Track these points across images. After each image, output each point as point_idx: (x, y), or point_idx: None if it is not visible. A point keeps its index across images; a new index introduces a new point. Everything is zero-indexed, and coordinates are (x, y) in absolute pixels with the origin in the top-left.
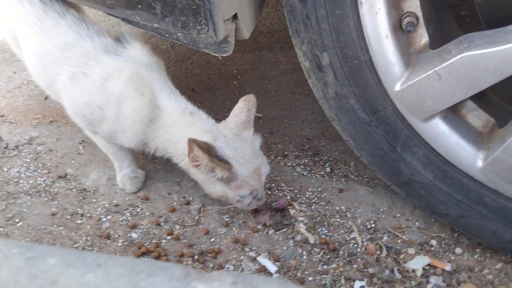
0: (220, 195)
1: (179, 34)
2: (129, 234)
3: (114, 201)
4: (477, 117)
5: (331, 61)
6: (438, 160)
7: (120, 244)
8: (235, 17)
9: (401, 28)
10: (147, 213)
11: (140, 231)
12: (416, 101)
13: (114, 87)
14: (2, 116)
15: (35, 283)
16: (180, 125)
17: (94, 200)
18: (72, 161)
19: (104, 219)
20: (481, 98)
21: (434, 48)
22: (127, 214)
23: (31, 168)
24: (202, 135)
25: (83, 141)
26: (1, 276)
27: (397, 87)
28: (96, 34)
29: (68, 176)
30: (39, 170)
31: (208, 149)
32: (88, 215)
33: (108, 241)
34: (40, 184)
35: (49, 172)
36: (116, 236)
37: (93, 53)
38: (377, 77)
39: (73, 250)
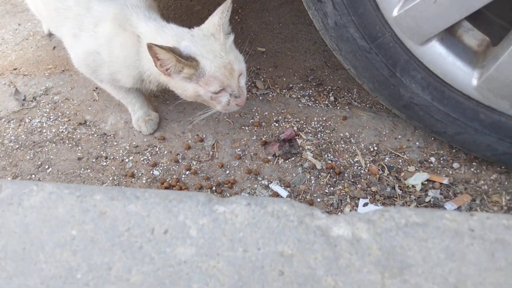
0: (193, 95)
1: None
2: (151, 172)
3: (134, 143)
4: (472, 37)
5: None
6: (436, 82)
7: (144, 181)
8: None
9: None
10: (165, 152)
11: (161, 168)
12: (414, 26)
13: (102, 30)
14: (15, 69)
15: (87, 215)
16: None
17: (115, 143)
18: (89, 108)
19: (126, 160)
20: (476, 17)
21: None
22: (147, 154)
23: (51, 117)
24: (169, 40)
25: (96, 88)
26: (59, 212)
27: (395, 13)
28: None
29: (87, 123)
30: (59, 119)
31: (171, 49)
32: (112, 157)
33: (133, 179)
34: (62, 132)
35: (69, 120)
36: (140, 174)
37: (85, 0)
38: (375, 3)
39: (114, 187)
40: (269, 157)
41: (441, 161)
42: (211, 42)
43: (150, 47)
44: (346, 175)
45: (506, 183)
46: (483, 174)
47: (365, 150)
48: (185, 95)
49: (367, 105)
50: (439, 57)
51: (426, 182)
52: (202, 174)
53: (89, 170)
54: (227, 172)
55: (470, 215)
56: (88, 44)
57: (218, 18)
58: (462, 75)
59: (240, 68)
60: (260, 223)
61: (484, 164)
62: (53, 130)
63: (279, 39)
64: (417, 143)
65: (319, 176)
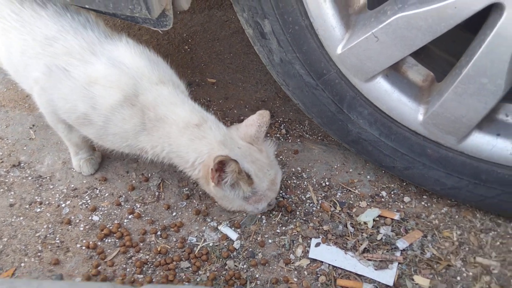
0: (236, 209)
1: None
2: (90, 218)
3: (72, 185)
4: (417, 72)
5: (273, 28)
6: (382, 118)
7: (82, 229)
8: None
9: None
10: (106, 194)
11: (101, 213)
12: (357, 63)
13: (100, 94)
14: None
15: None
16: (188, 137)
17: (51, 187)
18: (25, 148)
19: (63, 205)
20: (420, 52)
21: (373, 7)
22: (86, 197)
23: None
24: (216, 148)
25: (33, 125)
26: None
27: (339, 50)
28: (82, 27)
29: (22, 164)
30: None
31: (237, 162)
32: (47, 202)
33: (70, 226)
34: None
35: (1, 161)
36: (77, 220)
37: (78, 50)
38: (319, 41)
39: (4, 280)
40: None
41: (392, 195)
42: (257, 156)
43: (221, 161)
44: (298, 213)
45: (457, 216)
46: (433, 207)
47: (317, 186)
48: (225, 206)
49: (319, 138)
50: (384, 93)
51: (377, 218)
52: (147, 218)
53: (21, 218)
54: (174, 214)
55: None
56: (74, 100)
57: (255, 131)
58: (408, 110)
59: (280, 178)
60: None
61: (435, 197)
62: None
63: (230, 70)
64: (368, 177)
65: (271, 215)
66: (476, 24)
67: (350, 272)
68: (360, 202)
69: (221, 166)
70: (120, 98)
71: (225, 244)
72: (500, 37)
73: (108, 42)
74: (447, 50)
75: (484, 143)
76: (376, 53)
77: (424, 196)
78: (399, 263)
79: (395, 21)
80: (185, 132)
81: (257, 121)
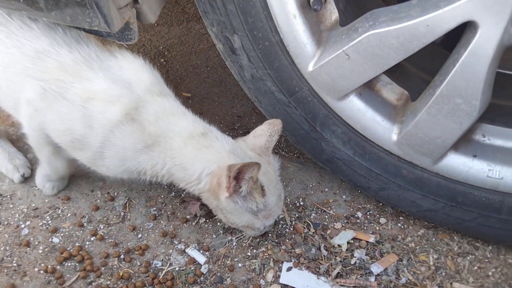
0: (243, 225)
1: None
2: (50, 239)
3: (33, 205)
4: (391, 91)
5: (243, 43)
6: (356, 137)
7: (40, 251)
8: (136, 0)
9: (309, 6)
10: (68, 215)
11: (62, 234)
12: (329, 81)
13: (99, 110)
14: None
15: None
16: (193, 147)
17: (11, 206)
18: None
19: (22, 226)
20: (395, 70)
21: (346, 23)
22: (47, 217)
23: None
24: (226, 157)
25: None
26: None
27: (310, 68)
28: (75, 41)
29: None
30: None
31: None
32: (6, 222)
33: (28, 249)
34: None
35: None
36: (36, 242)
37: (72, 66)
38: (290, 58)
39: None
40: (188, 217)
41: (368, 216)
42: (267, 168)
43: (241, 167)
44: (270, 235)
45: (434, 239)
46: (410, 229)
47: (291, 206)
48: (233, 220)
49: (295, 155)
50: (357, 112)
51: (352, 241)
52: (110, 240)
53: None
54: (140, 235)
55: None
56: (71, 122)
57: (266, 141)
58: (382, 130)
59: (283, 197)
60: None
61: (411, 219)
62: None
63: (207, 84)
64: (344, 197)
65: (242, 237)
66: (455, 42)
67: None
68: (335, 223)
69: (239, 174)
70: (120, 114)
71: (192, 268)
72: (475, 56)
73: (105, 56)
74: (424, 68)
75: (460, 164)
76: (348, 71)
77: (400, 218)
78: None
79: (366, 39)
80: (190, 142)
81: (267, 130)
